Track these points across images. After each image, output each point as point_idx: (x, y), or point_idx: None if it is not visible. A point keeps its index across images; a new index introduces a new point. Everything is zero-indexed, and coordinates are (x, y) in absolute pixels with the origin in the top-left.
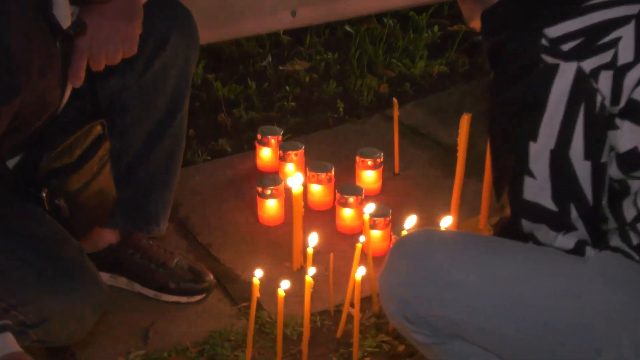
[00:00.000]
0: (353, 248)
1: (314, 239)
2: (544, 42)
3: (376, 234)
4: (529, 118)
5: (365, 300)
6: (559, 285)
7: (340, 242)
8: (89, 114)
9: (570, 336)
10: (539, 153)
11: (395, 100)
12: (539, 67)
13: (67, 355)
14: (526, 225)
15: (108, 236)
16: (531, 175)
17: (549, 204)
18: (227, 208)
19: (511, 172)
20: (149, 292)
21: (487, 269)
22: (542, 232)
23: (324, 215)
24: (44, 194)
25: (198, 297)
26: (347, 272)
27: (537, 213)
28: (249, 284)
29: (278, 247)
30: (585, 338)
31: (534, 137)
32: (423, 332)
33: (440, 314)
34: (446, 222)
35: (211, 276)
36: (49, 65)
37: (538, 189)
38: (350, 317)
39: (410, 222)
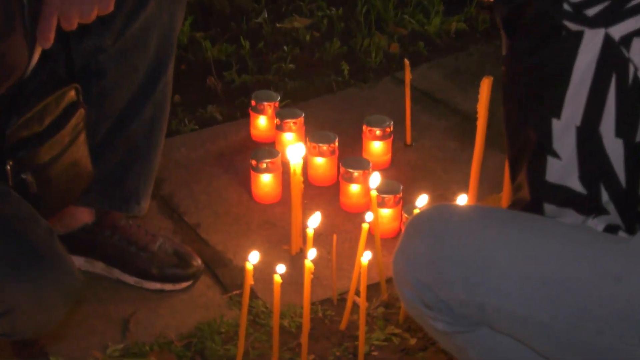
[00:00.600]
0: (359, 229)
1: (315, 218)
2: (566, 6)
3: (385, 212)
4: (550, 92)
5: (373, 288)
6: (598, 266)
7: (345, 222)
8: (61, 78)
9: (611, 324)
10: (564, 130)
11: (407, 61)
12: (562, 35)
13: (35, 350)
14: (549, 209)
15: (82, 215)
16: (555, 155)
17: (576, 186)
18: (217, 184)
19: (531, 152)
20: (129, 279)
21: (517, 247)
22: (569, 217)
23: (326, 191)
24: (8, 167)
25: (184, 284)
26: (352, 255)
27: (562, 196)
28: (242, 269)
29: (274, 227)
30: (627, 326)
31: (557, 113)
32: (444, 320)
33: (465, 298)
34: (462, 201)
35: (199, 260)
36: (8, 25)
37: (563, 170)
38: (355, 306)
39: (423, 200)
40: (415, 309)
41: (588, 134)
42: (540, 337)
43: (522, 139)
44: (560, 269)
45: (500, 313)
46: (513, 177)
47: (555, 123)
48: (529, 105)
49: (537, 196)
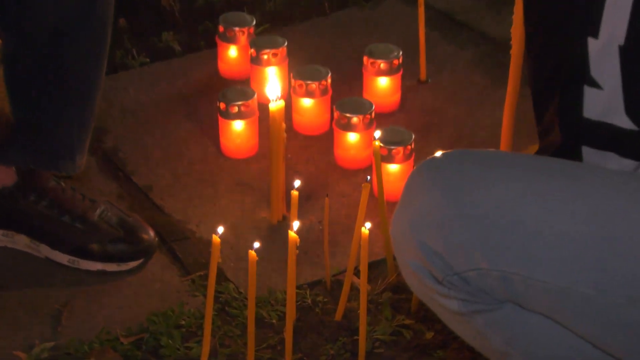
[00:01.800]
0: (358, 190)
1: (301, 178)
2: None
3: (392, 169)
4: (584, 5)
5: (377, 267)
6: None
7: (341, 181)
8: None
9: None
10: (603, 52)
11: None
12: None
13: None
14: (589, 154)
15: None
16: (594, 84)
17: (622, 121)
18: (175, 134)
19: (562, 83)
20: (62, 258)
21: (551, 201)
22: (613, 162)
23: (316, 143)
24: None
25: (132, 264)
26: (350, 225)
27: (604, 136)
28: (207, 244)
29: (249, 190)
30: None
31: (593, 31)
32: (458, 297)
33: (485, 268)
34: None
35: (152, 233)
36: None
37: (605, 102)
38: (354, 291)
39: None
40: (420, 285)
41: (635, 55)
42: (582, 315)
43: (550, 68)
44: (606, 227)
45: (530, 285)
46: (540, 118)
47: (592, 44)
48: (558, 24)
49: (572, 138)
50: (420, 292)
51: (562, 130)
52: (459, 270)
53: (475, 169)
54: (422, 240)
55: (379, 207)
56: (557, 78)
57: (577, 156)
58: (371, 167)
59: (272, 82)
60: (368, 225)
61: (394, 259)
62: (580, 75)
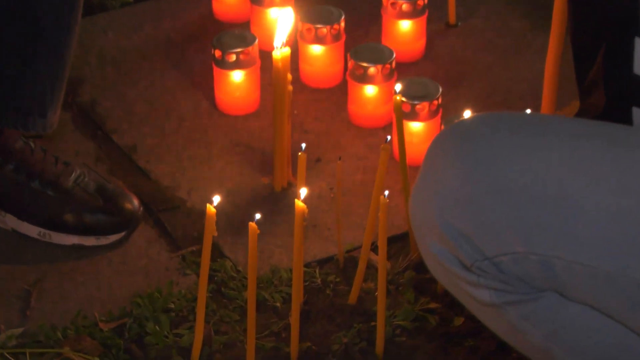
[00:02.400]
0: (377, 153)
1: (309, 138)
2: None
3: (416, 128)
4: None
5: (398, 242)
6: None
7: (356, 142)
8: None
9: None
10: None
11: None
12: None
13: None
14: (639, 116)
15: None
16: None
17: None
18: (162, 86)
19: (609, 35)
20: (31, 230)
21: (599, 172)
22: None
23: (327, 97)
24: None
25: (113, 238)
26: (366, 193)
27: None
28: (201, 214)
29: (249, 151)
30: None
31: None
32: (490, 286)
33: (522, 251)
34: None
35: (136, 202)
36: None
37: None
38: (372, 269)
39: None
40: (444, 272)
41: None
42: (634, 305)
43: (595, 15)
44: None
45: (574, 271)
46: (582, 76)
47: None
48: None
49: (620, 98)
50: (444, 280)
51: (608, 89)
52: (490, 254)
53: (509, 135)
54: (446, 220)
55: (401, 173)
56: (603, 28)
57: (626, 119)
58: (391, 125)
59: (276, 26)
60: (387, 193)
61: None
62: (630, 24)
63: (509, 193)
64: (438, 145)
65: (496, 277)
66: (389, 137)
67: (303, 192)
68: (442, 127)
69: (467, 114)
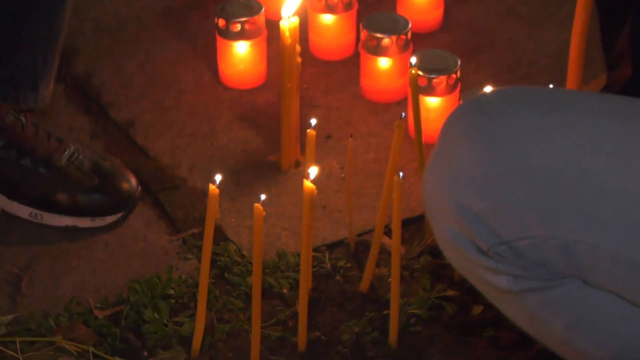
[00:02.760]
0: (390, 129)
1: (319, 113)
2: None
3: (432, 103)
4: None
5: (413, 225)
6: None
7: (368, 118)
8: None
9: None
10: None
11: None
12: None
13: None
14: None
15: None
16: None
17: None
18: (162, 57)
19: (637, 4)
20: (22, 210)
21: (627, 153)
22: None
23: (338, 69)
24: None
25: (109, 219)
26: (379, 172)
27: None
28: (203, 194)
29: (254, 127)
30: None
31: None
32: (508, 271)
33: (542, 235)
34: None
35: (133, 181)
36: None
37: None
38: (385, 254)
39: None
40: (460, 257)
41: None
42: None
43: None
44: None
45: (597, 256)
46: (608, 47)
47: None
48: None
49: None
50: (460, 266)
51: (636, 59)
52: (508, 238)
53: (530, 112)
54: (461, 202)
55: (416, 151)
56: None
57: None
58: (406, 100)
59: None
60: (402, 173)
61: None
62: None
63: (528, 173)
64: (453, 121)
65: (514, 262)
66: (403, 114)
67: (312, 171)
68: (461, 102)
69: (488, 89)
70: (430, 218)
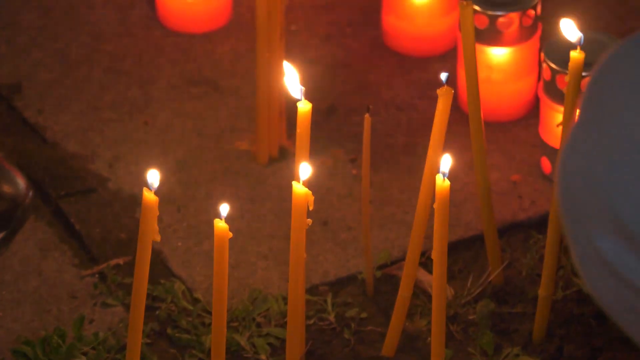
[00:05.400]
0: (429, 99)
1: (315, 72)
2: None
3: (497, 56)
4: None
5: (465, 249)
6: None
7: (394, 80)
8: None
9: None
10: None
11: None
12: None
13: None
14: None
15: None
16: None
17: None
18: None
19: None
20: None
21: None
22: None
23: (344, 1)
24: None
25: None
26: (410, 166)
27: None
28: (132, 202)
29: (214, 94)
30: None
31: None
32: None
33: None
34: None
35: (21, 182)
36: None
37: None
38: (421, 297)
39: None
40: (614, 281)
41: None
42: None
43: None
44: None
45: None
46: None
47: None
48: None
49: None
50: (609, 295)
51: None
52: None
53: None
54: (629, 199)
55: (472, 134)
56: None
57: None
58: (454, 52)
59: None
60: (447, 168)
61: (505, 233)
62: None
63: None
64: (615, 68)
65: None
66: (445, 74)
67: (304, 168)
68: (543, 55)
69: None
70: (568, 220)
